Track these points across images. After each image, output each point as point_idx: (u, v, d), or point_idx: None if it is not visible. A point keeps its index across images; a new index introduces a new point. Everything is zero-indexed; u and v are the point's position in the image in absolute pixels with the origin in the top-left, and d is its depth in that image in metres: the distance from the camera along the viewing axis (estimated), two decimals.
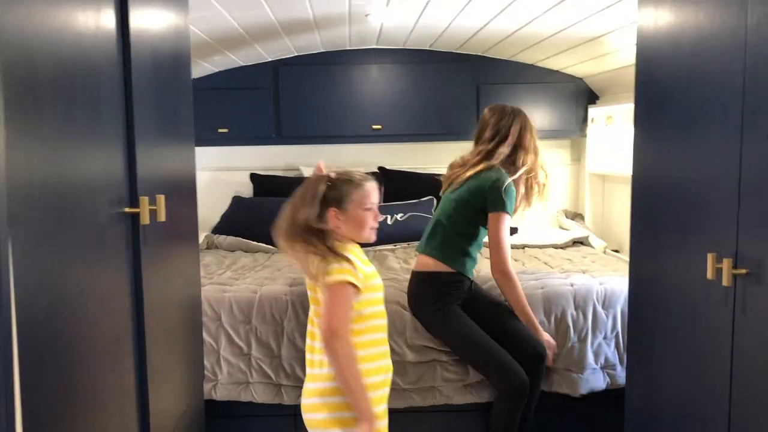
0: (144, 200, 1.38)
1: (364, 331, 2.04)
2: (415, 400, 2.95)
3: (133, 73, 1.42)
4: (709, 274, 1.49)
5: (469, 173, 2.86)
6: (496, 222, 2.75)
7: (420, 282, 2.86)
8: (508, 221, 2.78)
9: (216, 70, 4.27)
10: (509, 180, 2.76)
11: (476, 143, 2.99)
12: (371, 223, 2.14)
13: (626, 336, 2.51)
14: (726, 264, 1.44)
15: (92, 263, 1.24)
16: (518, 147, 2.87)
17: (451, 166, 3.06)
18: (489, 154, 2.87)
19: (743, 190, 1.45)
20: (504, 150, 2.85)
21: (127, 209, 1.39)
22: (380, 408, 2.03)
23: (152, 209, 1.44)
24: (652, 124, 1.93)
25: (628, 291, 2.11)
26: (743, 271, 1.42)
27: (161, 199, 1.46)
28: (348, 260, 1.99)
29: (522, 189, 2.86)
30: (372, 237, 2.17)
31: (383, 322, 2.13)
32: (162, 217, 1.46)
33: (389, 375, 2.12)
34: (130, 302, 1.41)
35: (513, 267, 2.81)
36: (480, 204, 2.79)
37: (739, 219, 1.46)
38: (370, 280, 2.08)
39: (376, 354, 2.06)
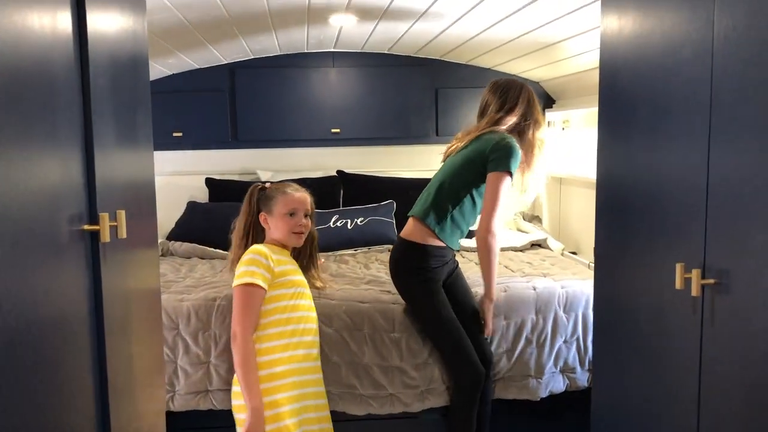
0: (104, 217, 1.32)
1: (267, 325, 2.35)
2: (373, 407, 2.92)
3: (92, 79, 1.35)
4: (678, 284, 1.50)
5: (474, 135, 2.82)
6: (496, 181, 2.66)
7: (405, 250, 2.81)
8: (508, 183, 2.72)
9: (170, 72, 4.17)
10: (516, 145, 2.72)
11: (480, 117, 2.93)
12: (294, 228, 2.47)
13: (592, 342, 2.53)
14: (695, 274, 1.46)
15: (50, 286, 1.18)
16: (527, 117, 2.85)
17: (455, 138, 3.00)
18: (497, 122, 2.82)
19: (711, 199, 1.47)
20: (512, 119, 2.83)
21: (86, 226, 1.32)
22: (288, 394, 2.33)
23: (112, 225, 1.38)
24: (617, 130, 1.94)
25: (594, 298, 2.12)
26: (711, 281, 1.44)
27: (122, 214, 1.39)
28: (257, 262, 2.32)
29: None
30: (297, 242, 2.52)
31: (294, 315, 2.40)
32: (123, 233, 1.40)
33: (305, 364, 2.42)
34: (89, 324, 1.35)
35: (500, 235, 2.75)
36: (481, 164, 2.72)
37: (707, 228, 1.47)
38: (279, 277, 2.38)
39: (282, 346, 2.35)
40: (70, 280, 1.28)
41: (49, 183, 1.19)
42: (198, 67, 4.19)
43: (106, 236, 1.33)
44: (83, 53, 1.33)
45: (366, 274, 3.41)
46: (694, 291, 1.46)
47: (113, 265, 1.46)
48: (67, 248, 1.26)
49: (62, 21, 1.25)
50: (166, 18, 2.72)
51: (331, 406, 2.87)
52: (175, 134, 4.23)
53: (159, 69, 3.95)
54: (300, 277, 2.52)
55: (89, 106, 1.34)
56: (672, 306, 1.61)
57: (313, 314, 2.52)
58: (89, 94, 1.35)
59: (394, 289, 2.94)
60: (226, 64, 4.25)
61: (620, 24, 1.88)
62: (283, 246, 2.51)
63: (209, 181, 4.36)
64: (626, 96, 1.86)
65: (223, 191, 4.27)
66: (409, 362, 2.89)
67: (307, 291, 2.53)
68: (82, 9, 1.32)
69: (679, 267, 1.50)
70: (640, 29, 1.77)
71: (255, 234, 2.55)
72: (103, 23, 1.45)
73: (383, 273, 3.40)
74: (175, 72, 4.19)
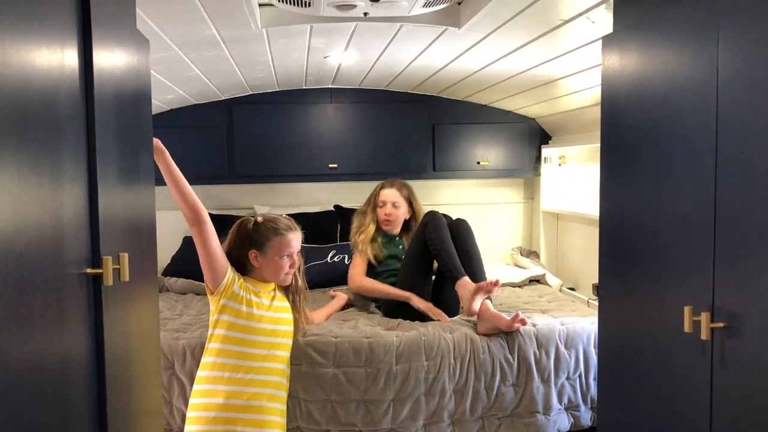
0: (107, 260, 1.30)
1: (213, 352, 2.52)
2: None
3: (97, 117, 1.34)
4: (687, 327, 1.49)
5: None
6: None
7: None
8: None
9: (167, 108, 4.17)
10: None
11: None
12: (287, 270, 2.56)
13: (596, 382, 2.50)
14: (704, 317, 1.44)
15: (51, 332, 1.15)
16: None
17: None
18: None
19: (718, 240, 1.46)
20: None
21: (89, 270, 1.30)
22: None
23: (115, 268, 1.35)
24: (619, 169, 1.94)
25: (598, 338, 2.10)
26: (721, 324, 1.42)
27: (125, 257, 1.37)
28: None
29: None
30: (287, 281, 2.62)
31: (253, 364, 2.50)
32: (126, 276, 1.38)
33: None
34: (90, 370, 1.32)
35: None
36: None
37: (715, 269, 1.46)
38: (258, 310, 2.50)
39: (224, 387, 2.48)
40: (73, 325, 1.25)
41: (53, 224, 1.17)
42: (196, 102, 4.19)
43: (109, 280, 1.31)
44: (89, 91, 1.33)
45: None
46: (704, 334, 1.45)
47: (116, 309, 1.43)
48: (70, 292, 1.23)
49: (69, 58, 1.24)
50: (170, 58, 2.73)
51: None
52: None
53: (157, 104, 3.95)
54: (281, 326, 2.62)
55: (94, 145, 1.33)
56: (680, 349, 1.59)
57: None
58: (94, 132, 1.34)
59: (389, 324, 3.10)
60: (223, 99, 4.25)
61: (622, 64, 1.89)
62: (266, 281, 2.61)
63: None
64: (629, 136, 1.87)
65: (221, 226, 4.22)
66: (411, 395, 2.86)
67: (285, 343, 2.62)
68: (89, 46, 1.31)
69: (687, 310, 1.49)
70: (643, 70, 1.78)
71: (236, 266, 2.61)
72: (109, 61, 1.44)
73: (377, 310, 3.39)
74: (173, 107, 4.20)
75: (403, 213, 3.62)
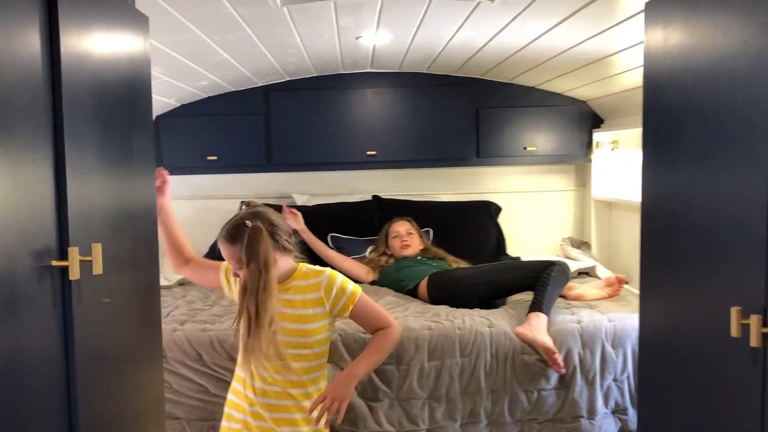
0: (73, 251, 1.19)
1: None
2: None
3: (65, 102, 1.23)
4: (734, 332, 1.28)
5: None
6: None
7: None
8: None
9: (204, 95, 4.11)
10: None
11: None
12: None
13: (637, 385, 2.29)
14: (754, 321, 1.23)
15: (10, 331, 1.05)
16: None
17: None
18: None
19: None
20: None
21: (54, 262, 1.19)
22: None
23: (85, 260, 1.24)
24: (663, 152, 1.73)
25: (639, 339, 1.89)
26: None
27: (97, 248, 1.26)
28: None
29: None
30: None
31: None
32: (98, 269, 1.27)
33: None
34: (59, 370, 1.22)
35: None
36: None
37: None
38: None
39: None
40: (37, 322, 1.15)
41: (10, 213, 1.07)
42: (233, 89, 4.12)
43: (75, 273, 1.20)
44: (54, 72, 1.22)
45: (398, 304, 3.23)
46: (754, 341, 1.24)
47: (91, 304, 1.33)
48: (31, 286, 1.13)
49: (25, 42, 1.13)
50: (191, 38, 2.64)
51: None
52: (209, 158, 4.15)
53: (193, 92, 3.89)
54: None
55: (62, 129, 1.22)
56: (726, 356, 1.38)
57: None
58: (62, 115, 1.23)
59: (426, 317, 2.92)
60: (260, 86, 4.16)
61: (665, 34, 1.68)
62: None
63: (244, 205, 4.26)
64: (673, 114, 1.65)
65: None
66: (449, 393, 2.71)
67: None
68: (55, 29, 1.21)
69: (734, 311, 1.28)
70: (688, 40, 1.56)
71: None
72: (86, 44, 1.34)
73: (417, 303, 3.23)
74: (210, 95, 4.13)
75: (417, 242, 3.75)
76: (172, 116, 4.16)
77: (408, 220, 3.82)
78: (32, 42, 1.15)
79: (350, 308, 2.07)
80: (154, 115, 4.10)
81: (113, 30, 1.53)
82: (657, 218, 1.74)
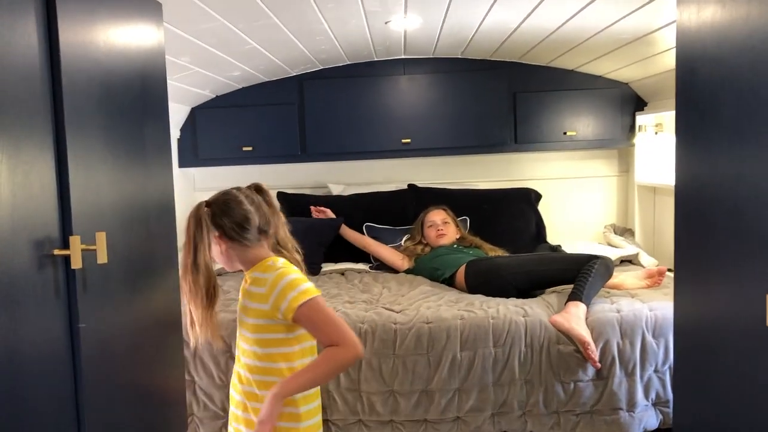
0: (75, 240, 1.17)
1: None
2: None
3: (66, 91, 1.22)
4: None
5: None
6: None
7: None
8: None
9: (238, 86, 4.11)
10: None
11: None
12: None
13: (672, 376, 2.19)
14: None
15: (9, 320, 1.04)
16: None
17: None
18: None
19: None
20: None
21: (56, 251, 1.18)
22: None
23: (89, 249, 1.23)
24: (697, 132, 1.63)
25: (674, 328, 1.80)
26: None
27: (101, 237, 1.25)
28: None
29: None
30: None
31: None
32: (103, 258, 1.25)
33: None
34: (64, 360, 1.21)
35: None
36: None
37: None
38: None
39: None
40: (38, 311, 1.14)
41: (13, 203, 1.06)
42: (266, 79, 4.11)
43: (77, 262, 1.19)
44: (54, 64, 1.20)
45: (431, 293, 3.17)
46: None
47: (98, 293, 1.31)
48: (33, 275, 1.12)
49: (20, 30, 1.12)
50: (216, 27, 2.62)
51: None
52: (244, 149, 4.16)
53: (226, 82, 3.90)
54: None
55: (62, 119, 1.21)
56: (764, 346, 1.29)
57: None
58: (62, 106, 1.21)
59: (460, 306, 2.86)
60: (294, 76, 4.14)
61: (698, 11, 1.57)
62: None
63: (281, 195, 4.25)
64: (707, 92, 1.55)
65: (296, 205, 4.16)
66: (481, 384, 2.65)
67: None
68: (53, 17, 1.19)
69: None
70: (722, 15, 1.46)
71: None
72: (88, 32, 1.32)
73: (452, 293, 3.16)
74: (244, 85, 4.14)
75: (452, 231, 3.71)
76: (208, 108, 4.18)
77: (443, 209, 3.78)
78: (28, 30, 1.14)
79: (294, 311, 1.75)
80: (190, 107, 4.12)
81: (121, 17, 1.51)
82: (691, 202, 1.64)
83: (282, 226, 1.95)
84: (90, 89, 1.33)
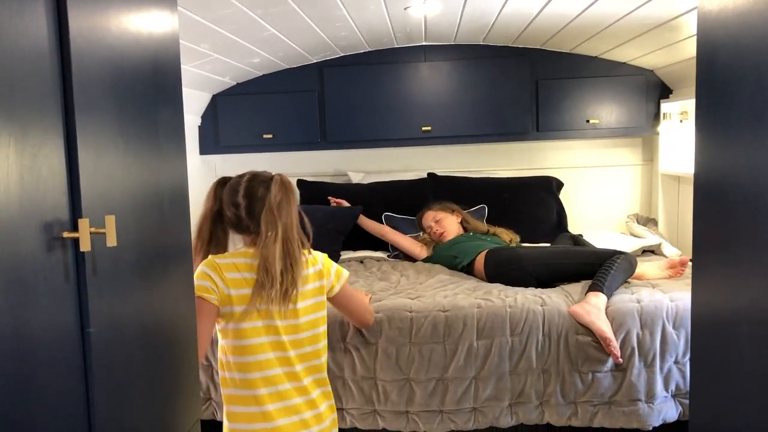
0: (84, 222, 1.18)
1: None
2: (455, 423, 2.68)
3: (76, 76, 1.22)
4: None
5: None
6: None
7: None
8: None
9: (259, 74, 4.11)
10: None
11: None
12: None
13: (690, 368, 2.16)
14: None
15: (18, 303, 1.05)
16: None
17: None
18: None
19: None
20: None
21: (66, 234, 1.19)
22: None
23: (99, 232, 1.23)
24: (717, 116, 1.59)
25: (691, 320, 1.76)
26: None
27: (111, 220, 1.25)
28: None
29: None
30: None
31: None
32: (112, 241, 1.26)
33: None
34: (72, 351, 1.21)
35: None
36: None
37: None
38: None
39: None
40: (48, 294, 1.14)
41: (19, 184, 1.06)
42: (286, 66, 4.11)
43: (86, 244, 1.19)
44: (63, 48, 1.20)
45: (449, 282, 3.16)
46: None
47: (108, 278, 1.32)
48: (41, 258, 1.13)
49: (28, 12, 1.12)
50: (233, 13, 2.62)
51: (410, 426, 2.66)
52: (265, 136, 4.17)
53: (247, 70, 3.90)
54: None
55: (72, 103, 1.21)
56: None
57: None
58: (71, 90, 1.21)
59: (477, 294, 2.85)
60: (314, 63, 4.14)
61: None
62: None
63: (301, 183, 4.26)
64: (727, 73, 1.51)
65: (316, 193, 4.16)
66: (497, 373, 2.63)
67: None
68: (63, 3, 1.19)
69: None
70: None
71: None
72: (99, 16, 1.32)
73: (471, 281, 3.15)
74: (264, 72, 4.14)
75: (451, 221, 3.68)
76: (229, 95, 4.19)
77: (429, 208, 3.77)
78: (37, 12, 1.14)
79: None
80: (211, 94, 4.14)
81: (132, 2, 1.50)
82: (710, 188, 1.61)
83: None
84: (101, 73, 1.33)
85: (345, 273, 2.20)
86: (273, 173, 2.07)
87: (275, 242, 1.93)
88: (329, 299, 2.18)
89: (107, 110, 1.35)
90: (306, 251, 2.07)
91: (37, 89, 1.14)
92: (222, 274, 1.96)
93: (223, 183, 2.10)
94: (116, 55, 1.41)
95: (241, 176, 2.07)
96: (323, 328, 2.10)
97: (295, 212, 2.03)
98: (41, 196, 1.14)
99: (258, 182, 2.02)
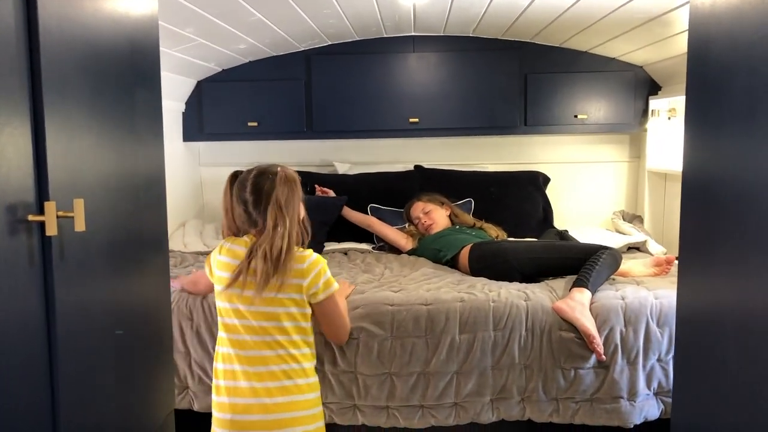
0: (50, 205, 1.13)
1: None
2: (436, 418, 2.65)
3: (44, 57, 1.17)
4: None
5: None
6: None
7: None
8: None
9: (245, 60, 4.05)
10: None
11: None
12: None
13: (673, 366, 2.14)
14: None
15: None
16: None
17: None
18: None
19: None
20: None
21: (31, 217, 1.14)
22: None
23: (67, 216, 1.19)
24: (707, 111, 1.56)
25: (676, 318, 1.74)
26: None
27: (80, 203, 1.21)
28: None
29: None
30: None
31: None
32: (81, 226, 1.21)
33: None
34: (38, 336, 1.17)
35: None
36: None
37: None
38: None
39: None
40: (11, 279, 1.10)
41: None
42: (273, 54, 4.05)
43: (52, 228, 1.14)
44: (31, 28, 1.16)
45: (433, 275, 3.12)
46: None
47: (76, 264, 1.27)
48: (5, 241, 1.08)
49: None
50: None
51: (390, 422, 2.63)
52: (250, 124, 4.11)
53: (233, 56, 3.84)
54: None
55: (39, 80, 1.16)
56: None
57: None
58: (39, 68, 1.16)
59: (460, 288, 2.81)
60: (301, 51, 4.08)
61: None
62: None
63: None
64: (718, 68, 1.48)
65: (300, 183, 4.11)
66: (479, 368, 2.60)
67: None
68: None
69: None
70: None
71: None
72: (69, 6, 1.27)
73: (455, 275, 3.12)
74: (251, 59, 4.08)
75: (440, 214, 3.66)
76: (214, 81, 4.13)
77: (419, 199, 3.74)
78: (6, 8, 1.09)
79: None
80: (196, 80, 4.07)
81: None
82: (698, 186, 1.58)
83: None
84: (72, 52, 1.28)
85: (334, 286, 2.22)
86: (278, 167, 2.16)
87: (277, 235, 2.02)
88: (310, 304, 2.19)
89: (80, 90, 1.30)
90: (299, 248, 2.13)
91: (4, 74, 1.09)
92: (215, 257, 2.13)
93: (235, 177, 2.21)
94: (90, 35, 1.36)
95: (249, 171, 2.17)
96: (289, 324, 2.12)
97: (300, 207, 2.16)
98: (4, 176, 1.09)
99: (264, 177, 2.11)
